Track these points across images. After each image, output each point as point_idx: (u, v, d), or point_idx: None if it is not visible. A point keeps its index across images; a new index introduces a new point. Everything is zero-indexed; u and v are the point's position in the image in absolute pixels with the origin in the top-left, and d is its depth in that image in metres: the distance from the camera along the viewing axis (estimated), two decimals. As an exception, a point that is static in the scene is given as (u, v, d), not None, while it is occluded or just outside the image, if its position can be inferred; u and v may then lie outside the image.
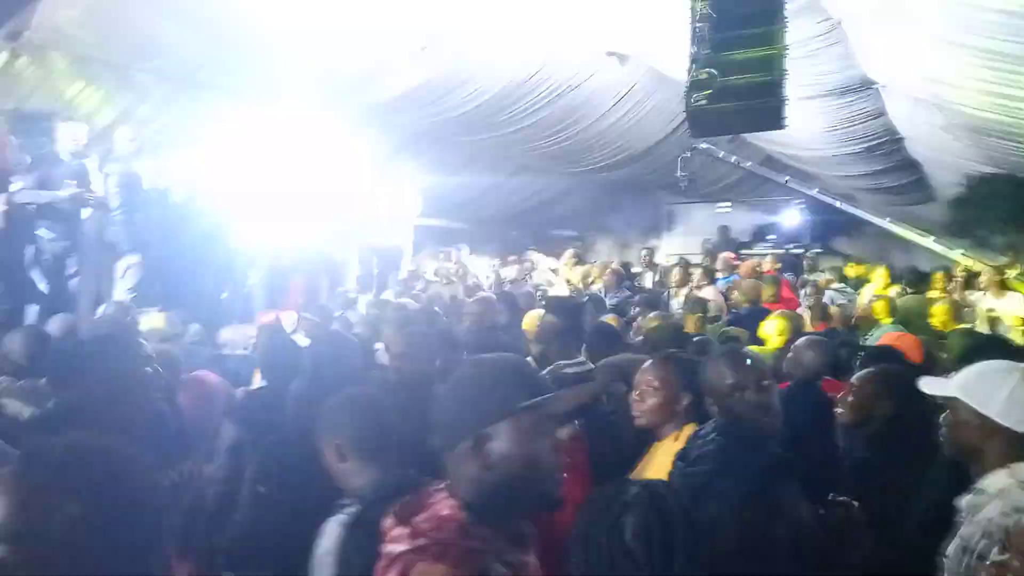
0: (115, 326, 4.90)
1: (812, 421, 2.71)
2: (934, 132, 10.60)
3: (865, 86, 9.71)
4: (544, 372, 3.34)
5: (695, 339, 4.46)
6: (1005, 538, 1.68)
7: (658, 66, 10.61)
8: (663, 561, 1.40)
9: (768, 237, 16.46)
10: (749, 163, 10.78)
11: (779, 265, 11.06)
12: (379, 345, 4.38)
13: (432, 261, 12.84)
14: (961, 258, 8.51)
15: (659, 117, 12.48)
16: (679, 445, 2.26)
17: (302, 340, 4.85)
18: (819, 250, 14.55)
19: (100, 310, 5.92)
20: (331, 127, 10.29)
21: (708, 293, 8.41)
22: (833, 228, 14.57)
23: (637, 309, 6.82)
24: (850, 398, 2.47)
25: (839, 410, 2.54)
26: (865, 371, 2.61)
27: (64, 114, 7.19)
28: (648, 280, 10.66)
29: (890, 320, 5.70)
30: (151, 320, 5.64)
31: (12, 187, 6.21)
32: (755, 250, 15.09)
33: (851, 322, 6.39)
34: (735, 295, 8.28)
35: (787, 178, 10.89)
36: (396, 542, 1.36)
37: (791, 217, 16.05)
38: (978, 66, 6.64)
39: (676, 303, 8.41)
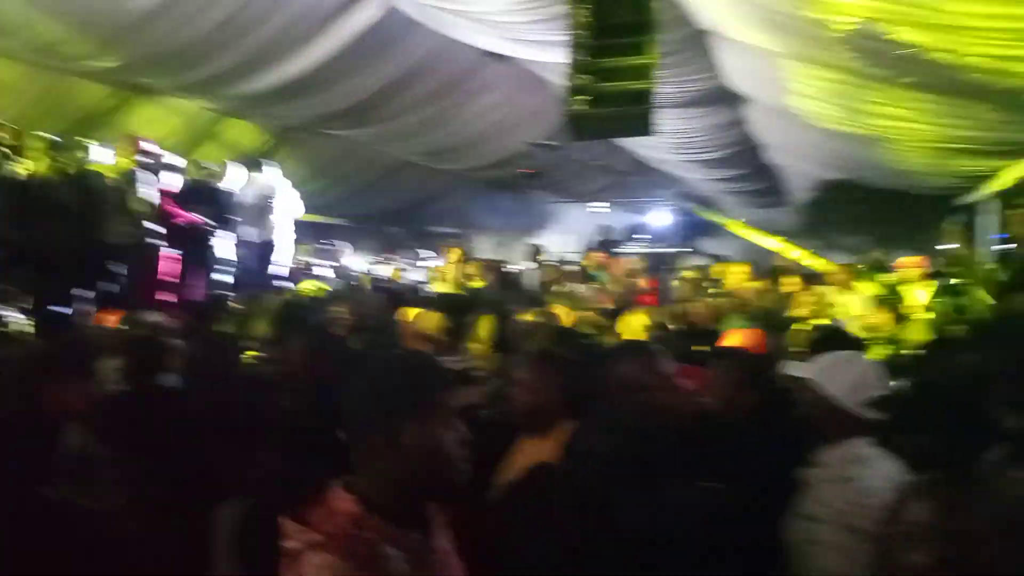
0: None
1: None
2: (789, 141, 11.43)
3: (727, 95, 10.33)
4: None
5: (575, 338, 4.58)
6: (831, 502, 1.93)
7: (537, 69, 10.83)
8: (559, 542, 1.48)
9: (640, 237, 17.16)
10: (602, 162, 11.14)
11: (649, 264, 11.57)
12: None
13: (310, 257, 12.51)
14: (802, 258, 9.24)
15: (538, 119, 12.75)
16: (550, 443, 2.32)
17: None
18: (687, 250, 15.33)
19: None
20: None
21: (582, 291, 8.70)
22: (700, 229, 15.38)
23: (517, 307, 6.93)
24: (714, 389, 2.64)
25: (704, 400, 2.71)
26: (725, 364, 2.80)
27: None
28: (532, 278, 10.89)
29: (743, 316, 6.09)
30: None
31: None
32: (628, 248, 15.71)
33: (712, 317, 6.76)
34: (604, 292, 8.60)
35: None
36: (292, 538, 1.39)
37: (662, 218, 16.80)
38: (828, 80, 7.22)
39: (554, 300, 8.63)
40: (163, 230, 7.52)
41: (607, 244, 14.34)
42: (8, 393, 2.58)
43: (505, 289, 9.26)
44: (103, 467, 2.49)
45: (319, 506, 1.44)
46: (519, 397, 2.48)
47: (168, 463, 2.49)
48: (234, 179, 8.87)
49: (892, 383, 2.20)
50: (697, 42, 8.43)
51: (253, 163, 9.28)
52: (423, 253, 13.20)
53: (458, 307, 4.80)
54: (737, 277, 7.63)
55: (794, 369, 2.35)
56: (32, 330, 5.20)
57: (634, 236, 17.31)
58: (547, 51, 8.35)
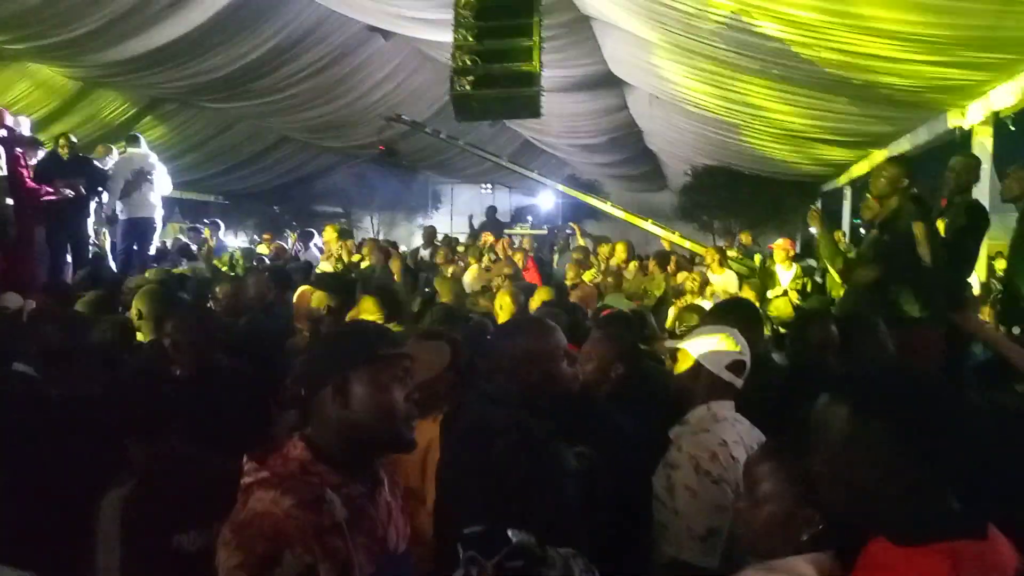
0: None
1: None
2: (667, 127, 11.88)
3: (609, 81, 10.60)
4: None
5: (462, 315, 4.60)
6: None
7: (423, 47, 10.72)
8: None
9: (527, 218, 17.41)
10: (460, 141, 11.14)
11: (536, 244, 11.75)
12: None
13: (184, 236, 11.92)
14: (676, 239, 9.67)
15: (423, 97, 12.64)
16: (435, 427, 2.35)
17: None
18: (571, 231, 15.66)
19: None
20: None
21: (469, 270, 8.75)
22: (583, 210, 15.73)
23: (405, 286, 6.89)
24: (589, 361, 2.76)
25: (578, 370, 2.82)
26: (597, 337, 2.92)
27: None
28: (426, 256, 10.82)
29: (620, 293, 6.33)
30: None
31: None
32: (515, 229, 15.89)
33: (593, 296, 6.96)
34: (491, 271, 8.66)
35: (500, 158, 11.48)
36: (248, 475, 1.52)
37: (547, 200, 17.09)
38: (702, 70, 7.54)
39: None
40: (21, 205, 6.98)
41: (494, 224, 14.44)
42: None
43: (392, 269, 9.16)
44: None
45: (277, 451, 1.56)
46: (440, 360, 2.51)
47: (33, 451, 2.36)
48: (108, 153, 8.32)
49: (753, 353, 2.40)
50: (582, 27, 8.60)
51: (130, 137, 8.73)
52: (307, 232, 12.86)
53: (343, 287, 4.71)
54: (617, 258, 7.88)
55: (670, 343, 2.52)
56: None
57: (521, 217, 17.54)
58: (432, 29, 8.28)
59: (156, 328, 3.59)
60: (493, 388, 2.09)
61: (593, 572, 1.39)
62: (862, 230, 7.53)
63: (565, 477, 1.96)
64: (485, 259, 8.66)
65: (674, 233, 9.51)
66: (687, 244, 9.23)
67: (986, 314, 5.27)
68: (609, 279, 6.90)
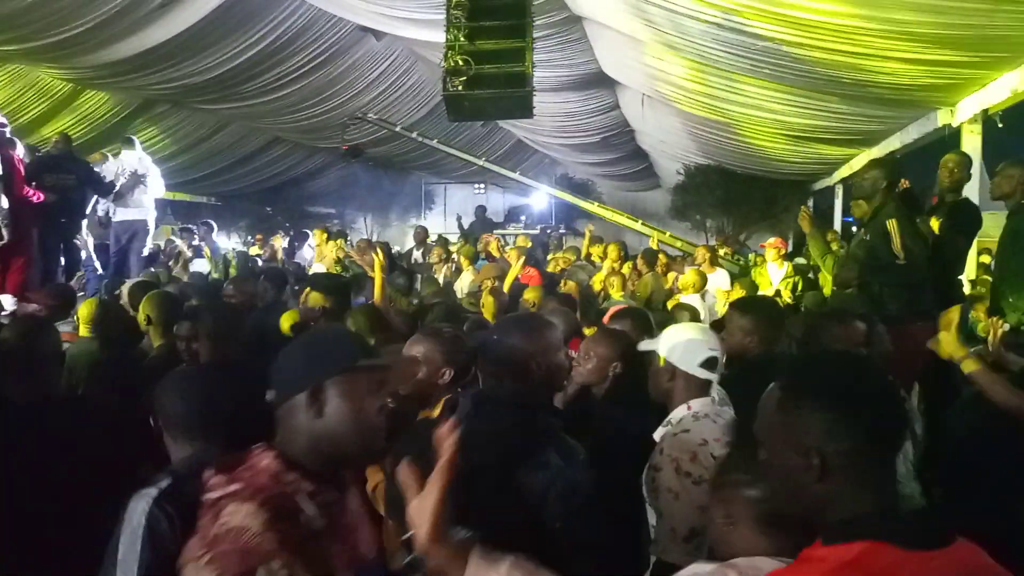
0: None
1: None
2: (659, 126, 11.92)
3: (601, 81, 10.63)
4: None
5: (460, 313, 4.62)
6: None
7: (415, 47, 10.72)
8: None
9: (520, 218, 17.39)
10: (425, 139, 11.01)
11: (530, 244, 11.76)
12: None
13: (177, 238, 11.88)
14: (666, 239, 9.69)
15: (416, 97, 12.65)
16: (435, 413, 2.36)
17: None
18: (564, 231, 15.67)
19: None
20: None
21: (464, 270, 8.75)
22: (576, 211, 15.76)
23: (400, 282, 6.87)
24: (588, 360, 2.77)
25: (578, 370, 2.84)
26: (596, 335, 2.94)
27: None
28: (418, 257, 10.80)
29: (620, 294, 6.33)
30: None
31: None
32: (508, 230, 15.87)
33: (590, 295, 6.99)
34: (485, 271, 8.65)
35: (484, 160, 11.40)
36: (214, 489, 1.45)
37: (540, 200, 17.08)
38: (693, 70, 7.57)
39: (440, 280, 8.64)
40: (17, 206, 6.94)
41: (487, 225, 14.44)
42: None
43: (389, 270, 9.14)
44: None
45: (243, 462, 1.50)
46: (411, 371, 2.50)
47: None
48: (104, 160, 8.30)
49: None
50: (574, 27, 8.62)
51: (125, 139, 8.70)
52: (303, 233, 12.87)
53: (339, 287, 4.71)
54: (609, 258, 7.89)
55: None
56: None
57: (514, 217, 17.53)
58: (424, 30, 8.29)
59: (166, 332, 3.67)
60: (498, 388, 2.10)
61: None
62: (854, 228, 7.56)
63: (580, 475, 1.97)
64: (487, 257, 8.67)
65: (664, 233, 9.53)
66: (678, 244, 9.26)
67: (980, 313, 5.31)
68: (612, 279, 6.91)
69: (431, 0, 7.25)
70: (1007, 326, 3.41)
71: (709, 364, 2.32)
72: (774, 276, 7.18)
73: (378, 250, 5.09)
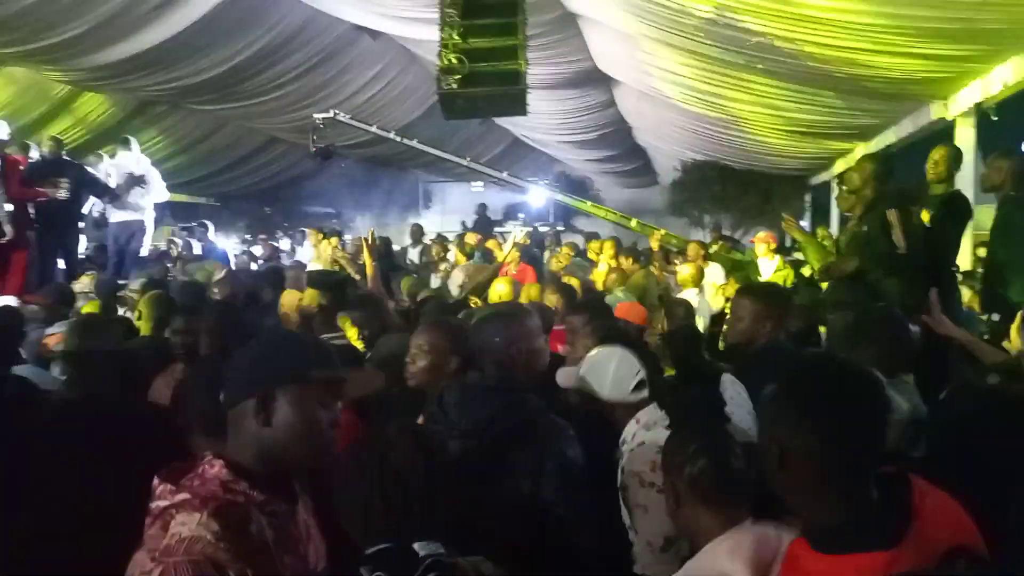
0: None
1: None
2: (656, 122, 11.93)
3: (597, 78, 10.64)
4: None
5: (460, 307, 4.64)
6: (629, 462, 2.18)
7: (410, 46, 10.74)
8: (418, 499, 1.54)
9: (518, 215, 17.40)
10: (390, 133, 10.82)
11: (528, 241, 11.80)
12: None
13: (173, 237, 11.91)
14: (664, 237, 9.69)
15: (412, 96, 12.66)
16: None
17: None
18: (561, 228, 15.70)
19: None
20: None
21: (462, 267, 8.78)
22: (574, 208, 15.80)
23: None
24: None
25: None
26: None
27: None
28: (414, 255, 10.84)
29: (620, 290, 6.35)
30: None
31: None
32: (507, 227, 15.88)
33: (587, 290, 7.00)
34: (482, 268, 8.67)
35: (469, 159, 11.29)
36: (160, 499, 1.41)
37: (538, 197, 17.09)
38: (688, 66, 7.60)
39: (436, 279, 8.68)
40: (17, 208, 6.99)
41: (485, 223, 14.47)
42: None
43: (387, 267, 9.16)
44: None
45: (191, 470, 1.46)
46: (417, 362, 2.52)
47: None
48: (94, 159, 8.34)
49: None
50: (568, 24, 8.63)
51: (122, 140, 8.74)
52: (300, 232, 12.91)
53: (334, 285, 4.75)
54: (606, 254, 7.92)
55: (566, 374, 2.50)
56: None
57: (512, 214, 17.54)
58: (419, 28, 8.31)
59: (156, 328, 3.81)
60: (483, 375, 2.15)
61: None
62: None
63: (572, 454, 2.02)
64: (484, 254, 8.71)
65: (660, 231, 9.54)
66: (673, 240, 9.29)
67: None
68: (612, 276, 6.93)
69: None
70: None
71: (640, 386, 2.33)
72: (765, 270, 7.19)
73: (368, 236, 5.11)
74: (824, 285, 5.66)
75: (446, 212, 20.30)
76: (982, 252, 7.88)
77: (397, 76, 12.05)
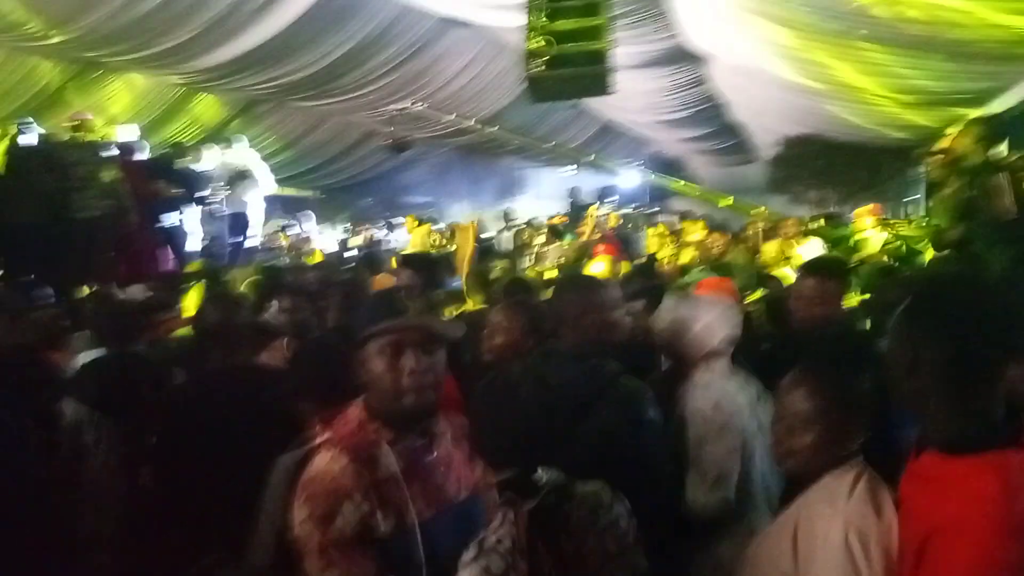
0: None
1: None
2: (752, 97, 11.56)
3: (687, 55, 10.42)
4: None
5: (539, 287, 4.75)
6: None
7: (498, 34, 10.83)
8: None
9: (611, 198, 17.26)
10: (471, 122, 10.72)
11: (621, 221, 11.75)
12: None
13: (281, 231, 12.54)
14: (761, 213, 9.44)
15: (502, 83, 12.77)
16: None
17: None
18: (656, 209, 15.49)
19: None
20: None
21: (554, 249, 8.91)
22: (668, 190, 15.56)
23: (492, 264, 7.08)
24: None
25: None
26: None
27: None
28: (507, 240, 11.03)
29: (710, 266, 6.27)
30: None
31: None
32: (601, 209, 15.78)
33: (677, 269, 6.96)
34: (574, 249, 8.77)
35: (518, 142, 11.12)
36: (316, 438, 1.79)
37: (631, 179, 16.90)
38: (785, 34, 7.35)
39: (526, 261, 8.85)
40: (131, 204, 7.53)
41: (578, 206, 14.48)
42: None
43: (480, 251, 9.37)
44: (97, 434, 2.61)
45: (341, 413, 1.77)
46: (495, 339, 2.64)
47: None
48: (205, 156, 8.88)
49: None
50: (655, 2, 8.51)
51: (223, 139, 9.34)
52: (396, 221, 13.33)
53: (427, 265, 4.93)
54: (699, 232, 7.83)
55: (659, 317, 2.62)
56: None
57: (604, 197, 17.42)
58: (505, 15, 8.38)
59: (256, 309, 4.02)
60: (559, 343, 2.25)
61: (624, 503, 1.46)
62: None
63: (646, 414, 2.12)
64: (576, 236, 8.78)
65: (760, 208, 9.31)
66: (773, 217, 9.05)
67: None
68: (693, 252, 6.86)
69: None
70: None
71: (729, 339, 2.48)
72: (874, 243, 6.93)
73: (473, 224, 5.30)
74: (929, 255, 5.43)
75: (540, 197, 20.35)
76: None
77: (488, 65, 12.18)
